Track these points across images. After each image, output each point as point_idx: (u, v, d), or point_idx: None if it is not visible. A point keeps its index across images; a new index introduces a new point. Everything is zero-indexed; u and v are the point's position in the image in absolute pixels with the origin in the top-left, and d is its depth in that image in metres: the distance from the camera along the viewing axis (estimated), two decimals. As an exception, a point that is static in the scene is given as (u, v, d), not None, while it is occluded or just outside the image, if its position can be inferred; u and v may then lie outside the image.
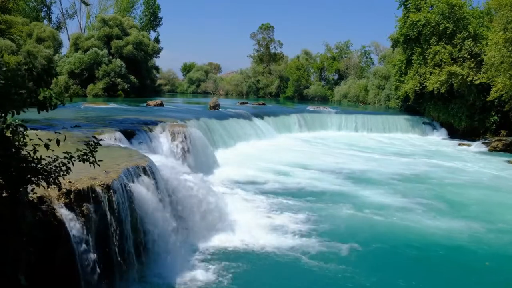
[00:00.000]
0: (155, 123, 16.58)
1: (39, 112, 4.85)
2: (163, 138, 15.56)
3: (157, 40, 67.35)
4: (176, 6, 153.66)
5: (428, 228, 11.47)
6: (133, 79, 49.21)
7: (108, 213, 6.94)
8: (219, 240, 9.80)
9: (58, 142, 5.01)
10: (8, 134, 4.75)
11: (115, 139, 12.90)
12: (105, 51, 48.49)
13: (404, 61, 35.68)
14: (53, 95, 4.80)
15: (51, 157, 5.25)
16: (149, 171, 8.75)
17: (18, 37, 39.81)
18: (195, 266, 8.54)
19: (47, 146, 4.96)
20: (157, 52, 58.02)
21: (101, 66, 47.22)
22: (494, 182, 17.98)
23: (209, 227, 9.98)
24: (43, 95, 4.74)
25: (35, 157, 4.99)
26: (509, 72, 25.85)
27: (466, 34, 31.17)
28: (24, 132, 4.90)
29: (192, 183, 10.14)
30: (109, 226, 6.97)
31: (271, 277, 8.57)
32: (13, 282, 4.70)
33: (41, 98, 4.74)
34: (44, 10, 64.32)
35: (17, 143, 4.85)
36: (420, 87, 32.82)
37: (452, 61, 31.14)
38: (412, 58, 34.09)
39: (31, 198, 5.45)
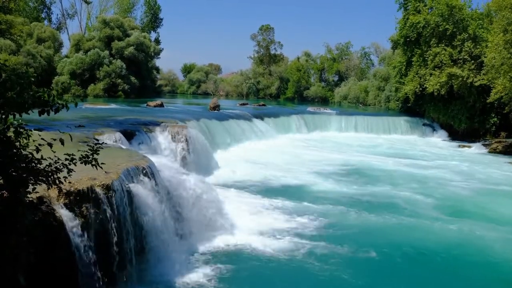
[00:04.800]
0: (155, 124, 16.59)
1: (40, 115, 4.86)
2: (163, 139, 15.58)
3: (157, 41, 67.41)
4: (176, 6, 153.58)
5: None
6: (133, 79, 49.23)
7: (107, 214, 6.96)
8: (218, 241, 9.81)
9: (62, 142, 5.02)
10: (11, 134, 4.75)
11: (115, 139, 12.92)
12: (106, 52, 48.52)
13: (404, 63, 35.68)
14: (56, 99, 4.78)
15: (52, 159, 5.26)
16: (149, 171, 8.76)
17: (18, 37, 39.86)
18: (194, 266, 8.55)
19: (50, 145, 4.96)
20: (157, 53, 58.06)
21: (102, 67, 47.24)
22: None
23: (209, 227, 9.99)
24: (45, 98, 4.73)
25: (35, 158, 4.99)
26: (509, 74, 25.84)
27: (466, 35, 31.18)
28: (28, 133, 4.90)
29: (192, 184, 10.15)
30: (109, 227, 6.99)
31: (271, 277, 8.57)
32: (13, 282, 4.71)
33: (43, 100, 4.73)
34: (44, 10, 64.41)
35: (17, 144, 4.85)
36: (420, 89, 32.83)
37: (452, 63, 31.15)
38: (412, 59, 34.10)
39: (31, 198, 5.45)
